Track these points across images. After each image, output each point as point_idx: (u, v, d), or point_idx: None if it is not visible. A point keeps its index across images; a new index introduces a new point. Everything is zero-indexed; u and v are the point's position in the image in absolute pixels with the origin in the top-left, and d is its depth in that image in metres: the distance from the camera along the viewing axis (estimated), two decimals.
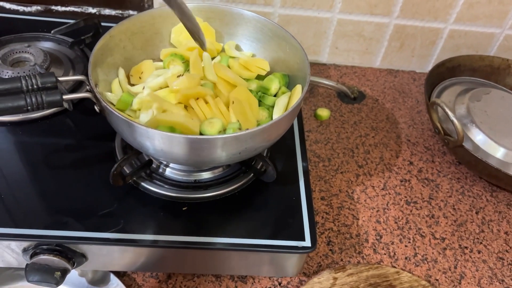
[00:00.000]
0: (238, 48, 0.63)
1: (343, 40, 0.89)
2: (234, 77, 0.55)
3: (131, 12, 0.87)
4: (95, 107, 0.49)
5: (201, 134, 0.49)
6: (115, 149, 0.58)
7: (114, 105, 0.53)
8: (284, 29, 0.58)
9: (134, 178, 0.54)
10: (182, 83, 0.51)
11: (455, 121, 0.61)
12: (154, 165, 0.57)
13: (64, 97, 0.45)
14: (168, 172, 0.57)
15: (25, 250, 0.50)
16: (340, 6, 0.84)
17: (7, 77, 0.62)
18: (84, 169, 0.56)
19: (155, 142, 0.44)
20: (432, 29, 0.88)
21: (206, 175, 0.57)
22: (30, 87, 0.45)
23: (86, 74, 0.49)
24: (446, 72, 0.82)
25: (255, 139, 0.46)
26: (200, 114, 0.50)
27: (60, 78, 0.47)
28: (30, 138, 0.59)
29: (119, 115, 0.44)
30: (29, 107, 0.44)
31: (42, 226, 0.50)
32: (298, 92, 0.55)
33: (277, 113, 0.55)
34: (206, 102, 0.51)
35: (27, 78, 0.46)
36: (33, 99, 0.44)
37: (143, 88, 0.53)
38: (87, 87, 0.49)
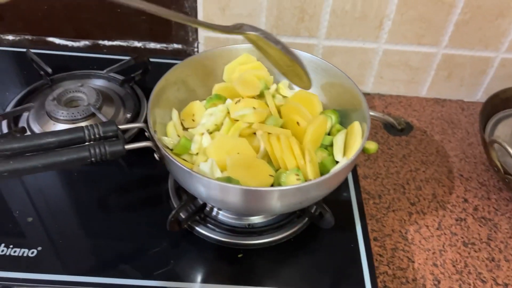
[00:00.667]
0: (290, 87, 0.62)
1: (389, 69, 0.88)
2: (303, 117, 0.54)
3: (175, 45, 0.88)
4: (155, 155, 0.48)
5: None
6: (168, 191, 0.58)
7: (171, 149, 0.53)
8: (338, 69, 0.57)
9: (189, 223, 0.54)
10: (251, 117, 0.51)
11: None
12: (207, 208, 0.56)
13: (126, 147, 0.45)
14: (221, 215, 0.56)
15: None
16: (386, 37, 0.82)
17: (62, 117, 0.63)
18: (138, 212, 0.56)
19: (218, 193, 0.44)
20: (483, 58, 0.85)
21: (259, 219, 0.56)
22: (92, 137, 0.46)
23: (142, 119, 0.49)
24: (500, 103, 0.79)
25: (320, 187, 0.44)
26: (270, 151, 0.49)
27: (120, 127, 0.47)
28: (84, 179, 0.60)
29: (181, 165, 0.44)
30: (92, 159, 0.44)
31: (99, 273, 0.50)
32: (356, 130, 0.53)
33: (338, 153, 0.53)
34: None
35: (89, 127, 0.46)
36: (97, 150, 0.44)
37: (201, 132, 0.53)
38: (146, 133, 0.49)
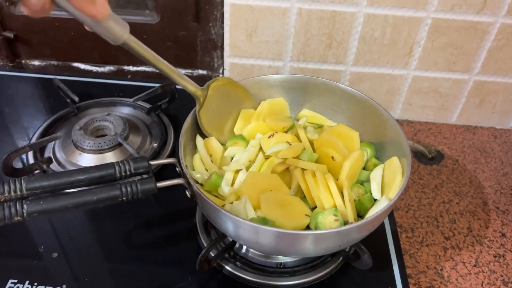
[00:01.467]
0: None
1: (418, 96, 0.85)
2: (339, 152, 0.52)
3: (200, 71, 0.88)
4: (186, 192, 0.47)
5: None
6: (196, 226, 0.56)
7: (201, 184, 0.51)
8: (373, 100, 0.55)
9: (218, 261, 0.52)
10: (285, 153, 0.49)
11: None
12: (237, 245, 0.54)
13: (158, 185, 0.44)
14: (251, 254, 0.54)
15: None
16: (416, 64, 0.80)
17: (89, 147, 0.62)
18: (165, 249, 0.55)
19: (253, 235, 0.41)
20: None
21: (291, 259, 0.54)
22: (123, 174, 0.44)
23: (173, 155, 0.48)
24: None
25: (361, 230, 0.42)
26: (305, 188, 0.47)
27: (152, 162, 0.46)
28: (109, 213, 0.58)
29: (215, 205, 0.42)
30: (124, 198, 0.42)
31: None
32: (395, 166, 0.51)
33: (376, 190, 0.51)
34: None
35: (120, 164, 0.45)
36: (128, 189, 0.42)
37: (235, 169, 0.51)
38: (177, 169, 0.48)
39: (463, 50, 0.78)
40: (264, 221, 0.43)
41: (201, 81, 0.88)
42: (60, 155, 0.63)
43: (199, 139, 0.54)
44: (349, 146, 0.53)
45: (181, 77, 0.52)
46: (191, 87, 0.54)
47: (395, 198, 0.44)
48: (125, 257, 0.53)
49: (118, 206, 0.59)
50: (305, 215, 0.46)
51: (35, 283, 0.50)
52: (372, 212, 0.46)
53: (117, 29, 0.42)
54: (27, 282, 0.50)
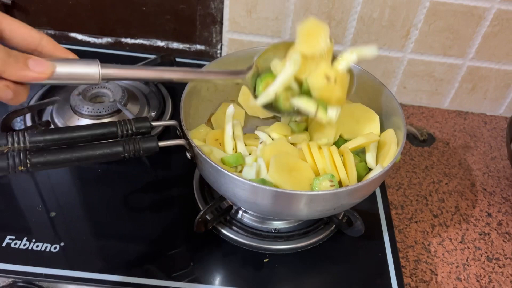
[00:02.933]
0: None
1: (412, 80, 0.87)
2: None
3: (198, 46, 0.88)
4: (187, 153, 0.48)
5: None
6: (193, 191, 0.57)
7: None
8: (372, 75, 0.56)
9: (214, 224, 0.53)
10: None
11: None
12: (233, 210, 0.55)
13: (160, 144, 0.45)
14: (246, 219, 0.55)
15: None
16: (412, 46, 0.82)
17: (87, 113, 0.62)
18: (162, 212, 0.55)
19: (250, 194, 0.43)
20: (508, 71, 0.84)
21: (285, 224, 0.55)
22: (125, 132, 0.45)
23: (173, 116, 0.49)
24: None
25: (355, 194, 0.43)
26: (310, 160, 0.48)
27: (153, 123, 0.46)
28: (108, 177, 0.59)
29: (215, 165, 0.43)
30: (126, 154, 0.43)
31: (121, 271, 0.49)
32: (391, 137, 0.52)
33: (371, 159, 0.52)
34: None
35: (122, 123, 0.45)
36: (130, 146, 0.43)
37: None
38: (177, 132, 0.48)
39: (459, 34, 0.79)
40: (263, 181, 0.45)
41: (199, 56, 0.89)
42: (58, 119, 0.63)
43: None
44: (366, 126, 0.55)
45: (206, 73, 0.46)
46: (226, 78, 0.47)
47: (389, 165, 0.45)
48: (122, 219, 0.54)
49: (116, 171, 0.60)
50: (310, 184, 0.47)
51: (33, 240, 0.51)
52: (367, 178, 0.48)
53: (82, 70, 0.37)
54: (25, 238, 0.51)
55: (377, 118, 0.55)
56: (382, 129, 0.55)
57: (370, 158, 0.52)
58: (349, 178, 0.48)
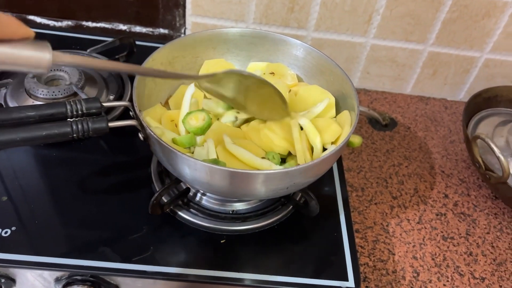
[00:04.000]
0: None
1: (375, 65, 0.88)
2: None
3: (161, 30, 0.87)
4: (139, 134, 0.47)
5: None
6: (150, 174, 0.57)
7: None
8: (329, 58, 0.57)
9: (172, 207, 0.52)
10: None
11: (502, 158, 0.59)
12: (191, 193, 0.55)
13: (110, 124, 0.44)
14: (205, 201, 0.55)
15: (57, 280, 0.48)
16: (374, 32, 0.83)
17: (42, 96, 0.60)
18: (119, 195, 0.55)
19: (204, 175, 0.42)
20: (467, 57, 0.86)
21: (243, 206, 0.55)
22: (75, 113, 0.44)
23: (129, 100, 0.48)
24: (482, 102, 0.80)
25: (308, 173, 0.44)
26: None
27: (104, 104, 0.45)
28: (63, 160, 0.58)
29: (167, 145, 0.43)
30: (74, 135, 0.42)
31: (76, 255, 0.48)
32: (345, 119, 0.53)
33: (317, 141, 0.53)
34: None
35: (72, 103, 0.44)
36: (79, 126, 0.42)
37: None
38: (130, 113, 0.48)
39: (420, 20, 0.80)
40: (215, 161, 0.45)
41: (162, 39, 0.87)
42: (11, 103, 0.61)
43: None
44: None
45: (159, 73, 0.47)
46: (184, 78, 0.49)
47: (341, 144, 0.46)
48: (79, 203, 0.53)
49: (71, 154, 0.59)
50: (262, 158, 0.47)
51: None
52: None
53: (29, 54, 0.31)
54: None
55: (333, 99, 0.55)
56: (339, 111, 0.56)
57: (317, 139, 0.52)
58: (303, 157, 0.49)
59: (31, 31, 0.31)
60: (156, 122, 0.51)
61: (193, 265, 0.49)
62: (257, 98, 0.49)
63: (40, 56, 0.31)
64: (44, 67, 0.31)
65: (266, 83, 0.47)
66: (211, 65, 0.59)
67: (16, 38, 0.30)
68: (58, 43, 0.75)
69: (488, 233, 0.69)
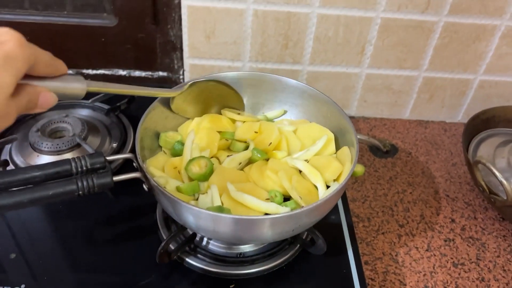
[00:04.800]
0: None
1: (372, 93, 0.89)
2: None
3: (160, 73, 0.89)
4: (143, 186, 0.48)
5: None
6: (156, 221, 0.57)
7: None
8: (325, 95, 0.58)
9: (179, 254, 0.53)
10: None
11: (505, 182, 0.59)
12: (197, 238, 0.55)
13: (115, 178, 0.45)
14: (211, 245, 0.55)
15: None
16: (368, 62, 0.84)
17: (47, 149, 0.61)
18: (126, 244, 0.55)
19: (209, 223, 0.43)
20: (462, 80, 0.87)
21: (250, 248, 0.55)
22: (79, 169, 0.45)
23: (132, 151, 0.49)
24: (481, 124, 0.81)
25: (312, 214, 0.44)
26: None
27: (108, 158, 0.46)
28: (69, 213, 0.58)
29: (172, 196, 0.43)
30: (80, 192, 0.43)
31: None
32: (346, 155, 0.53)
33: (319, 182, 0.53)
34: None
35: (76, 160, 0.45)
36: (84, 183, 0.43)
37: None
38: (134, 164, 0.49)
39: (412, 48, 0.82)
40: (219, 209, 0.45)
41: (162, 83, 0.89)
42: (17, 157, 0.63)
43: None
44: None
45: (154, 90, 0.53)
46: (166, 92, 0.55)
47: (343, 182, 0.46)
48: (85, 255, 0.54)
49: (77, 205, 0.59)
50: (266, 199, 0.48)
51: None
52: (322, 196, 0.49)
53: (74, 86, 0.40)
54: None
55: (332, 136, 0.56)
56: (338, 147, 0.57)
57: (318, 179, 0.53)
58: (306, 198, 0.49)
59: (66, 67, 0.39)
60: (159, 171, 0.52)
61: None
62: (217, 98, 0.61)
63: (79, 86, 0.40)
64: (83, 94, 0.40)
65: (222, 83, 0.59)
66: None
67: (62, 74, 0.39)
68: None
69: (498, 256, 0.69)
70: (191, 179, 0.51)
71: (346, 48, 0.82)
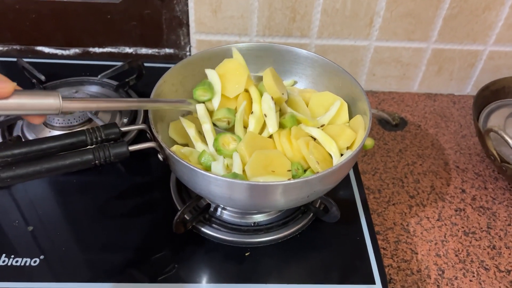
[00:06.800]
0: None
1: (380, 66, 0.89)
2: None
3: (167, 50, 0.88)
4: (159, 156, 0.48)
5: None
6: (170, 193, 0.57)
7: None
8: (335, 64, 0.58)
9: (194, 224, 0.53)
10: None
11: None
12: (211, 208, 0.56)
13: (130, 148, 0.45)
14: (226, 215, 0.56)
15: None
16: (377, 34, 0.83)
17: (58, 124, 0.62)
18: (141, 217, 0.56)
19: (225, 190, 0.43)
20: (471, 51, 0.86)
21: (264, 217, 0.56)
22: (94, 140, 0.45)
23: (145, 121, 0.49)
24: (490, 95, 0.80)
25: (327, 180, 0.44)
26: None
27: (122, 129, 0.46)
28: (83, 187, 0.59)
29: (188, 164, 0.43)
30: (96, 161, 0.43)
31: (104, 278, 0.49)
32: (359, 122, 0.53)
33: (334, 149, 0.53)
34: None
35: (91, 130, 0.45)
36: (100, 153, 0.43)
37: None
38: (147, 135, 0.49)
39: (420, 19, 0.81)
40: (234, 175, 0.45)
41: (168, 59, 0.89)
42: (29, 133, 0.63)
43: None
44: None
45: (165, 102, 0.51)
46: (183, 106, 0.52)
47: (357, 149, 0.46)
48: (102, 227, 0.54)
49: (91, 180, 0.60)
50: (287, 171, 0.48)
51: (12, 256, 0.50)
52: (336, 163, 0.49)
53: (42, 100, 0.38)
54: (4, 255, 0.50)
55: (345, 105, 0.56)
56: (351, 116, 0.56)
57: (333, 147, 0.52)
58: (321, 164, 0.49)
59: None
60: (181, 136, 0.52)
61: (220, 279, 0.49)
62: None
63: (51, 102, 0.38)
64: (56, 109, 0.39)
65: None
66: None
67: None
68: (68, 71, 0.77)
69: (509, 225, 0.69)
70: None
71: (354, 21, 0.81)
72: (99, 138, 0.45)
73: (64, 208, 0.56)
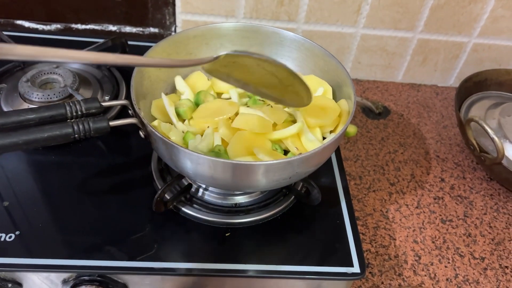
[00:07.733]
0: None
1: (366, 55, 0.89)
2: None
3: (151, 29, 0.86)
4: (140, 132, 0.47)
5: None
6: (151, 172, 0.57)
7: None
8: (322, 48, 0.57)
9: (175, 203, 0.53)
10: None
11: (496, 139, 0.60)
12: (193, 189, 0.55)
13: (111, 123, 0.44)
14: (207, 196, 0.55)
15: (65, 282, 0.48)
16: (364, 22, 0.83)
17: (37, 99, 0.60)
18: (121, 195, 0.55)
19: (207, 168, 0.43)
20: (456, 43, 0.87)
21: (245, 198, 0.56)
22: (74, 114, 0.44)
23: (127, 98, 0.48)
24: (473, 86, 0.81)
25: (309, 161, 0.44)
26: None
27: (103, 104, 0.45)
28: (63, 164, 0.57)
29: (169, 141, 0.43)
30: (76, 135, 0.42)
31: (82, 256, 0.48)
32: (343, 107, 0.53)
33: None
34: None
35: (71, 104, 0.44)
36: (80, 127, 0.42)
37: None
38: (129, 111, 0.48)
39: (408, 8, 0.81)
40: (217, 154, 0.45)
41: (153, 39, 0.87)
42: (6, 107, 0.61)
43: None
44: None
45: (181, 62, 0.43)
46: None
47: (340, 132, 0.46)
48: (81, 205, 0.53)
49: (71, 156, 0.59)
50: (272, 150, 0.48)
51: None
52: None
53: None
54: None
55: (330, 89, 0.56)
56: (336, 101, 0.56)
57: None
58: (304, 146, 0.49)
59: None
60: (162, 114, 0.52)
61: (199, 259, 0.49)
62: (272, 83, 0.45)
63: None
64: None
65: (285, 67, 0.43)
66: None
67: None
68: (50, 46, 0.75)
69: (485, 214, 0.71)
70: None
71: (342, 7, 0.81)
72: (79, 112, 0.44)
73: (42, 185, 0.55)
